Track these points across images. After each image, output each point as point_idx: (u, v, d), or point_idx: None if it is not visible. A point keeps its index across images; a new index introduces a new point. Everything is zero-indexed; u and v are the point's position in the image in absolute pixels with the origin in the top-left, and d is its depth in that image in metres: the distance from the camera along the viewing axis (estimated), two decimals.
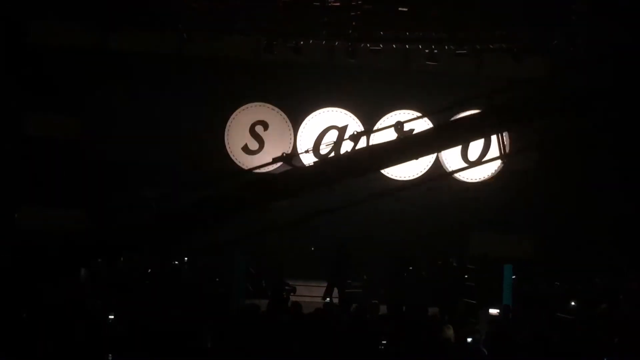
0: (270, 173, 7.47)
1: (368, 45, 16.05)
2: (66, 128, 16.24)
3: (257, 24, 15.86)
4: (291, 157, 7.66)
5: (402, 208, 16.37)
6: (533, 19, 14.82)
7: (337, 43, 16.22)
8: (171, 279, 16.31)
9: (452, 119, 8.87)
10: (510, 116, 7.08)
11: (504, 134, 7.55)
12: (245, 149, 16.73)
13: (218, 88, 16.64)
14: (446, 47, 15.86)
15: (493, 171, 15.71)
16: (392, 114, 15.94)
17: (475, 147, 8.11)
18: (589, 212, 16.16)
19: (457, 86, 14.87)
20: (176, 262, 20.28)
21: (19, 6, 15.44)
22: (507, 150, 7.60)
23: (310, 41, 16.12)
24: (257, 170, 8.22)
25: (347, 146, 7.69)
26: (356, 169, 7.25)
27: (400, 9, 14.77)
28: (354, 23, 15.43)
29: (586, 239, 16.20)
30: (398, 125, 7.88)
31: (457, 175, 15.14)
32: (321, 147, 11.59)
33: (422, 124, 14.69)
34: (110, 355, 10.21)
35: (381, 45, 16.12)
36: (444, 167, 15.43)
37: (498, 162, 14.80)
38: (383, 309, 12.95)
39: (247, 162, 16.44)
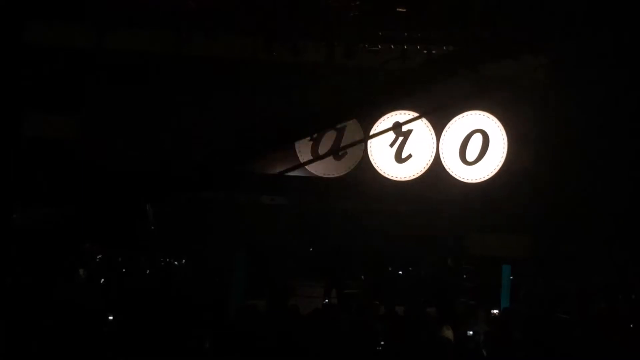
0: None
1: (366, 45, 16.02)
2: (64, 129, 16.22)
3: (257, 24, 15.82)
4: None
5: (399, 208, 16.36)
6: (531, 18, 14.79)
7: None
8: (168, 279, 16.33)
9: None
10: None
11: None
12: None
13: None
14: (445, 48, 15.83)
15: (492, 171, 15.69)
16: (390, 114, 15.86)
17: (473, 148, 8.12)
18: (588, 210, 16.17)
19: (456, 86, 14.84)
20: (175, 262, 20.32)
21: (15, 5, 15.39)
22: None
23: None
24: None
25: None
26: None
27: (398, 9, 14.75)
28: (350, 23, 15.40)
29: (585, 238, 16.22)
30: (396, 127, 7.90)
31: (455, 175, 15.10)
32: None
33: (420, 125, 14.82)
34: (109, 355, 10.22)
35: (379, 46, 16.09)
36: (444, 167, 15.38)
37: (497, 163, 14.88)
38: (382, 309, 13.00)
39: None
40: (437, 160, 15.55)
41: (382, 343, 10.69)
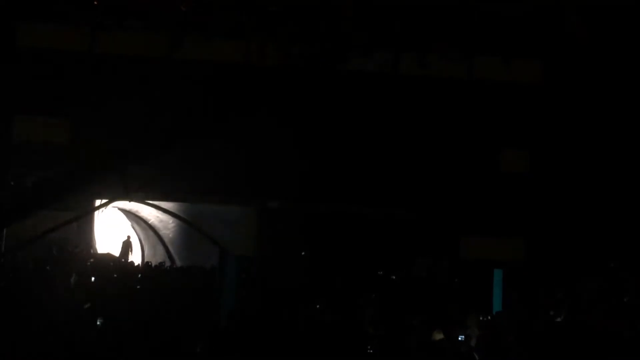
0: None
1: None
2: (56, 131, 16.17)
3: (249, 29, 15.79)
4: None
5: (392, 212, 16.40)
6: (524, 22, 14.86)
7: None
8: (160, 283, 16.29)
9: None
10: None
11: None
12: None
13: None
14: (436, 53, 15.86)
15: None
16: None
17: None
18: (581, 214, 16.19)
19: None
20: (167, 265, 20.30)
21: (6, 8, 15.36)
22: None
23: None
24: None
25: None
26: None
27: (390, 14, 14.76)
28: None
29: (578, 242, 16.23)
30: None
31: None
32: None
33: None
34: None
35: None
36: None
37: None
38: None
39: None
40: None
41: (371, 347, 10.68)
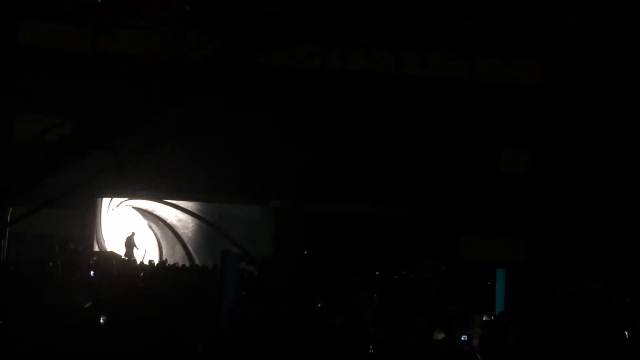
0: None
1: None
2: (57, 130, 16.18)
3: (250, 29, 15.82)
4: None
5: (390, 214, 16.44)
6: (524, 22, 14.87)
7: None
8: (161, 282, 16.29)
9: None
10: None
11: None
12: None
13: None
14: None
15: None
16: None
17: None
18: (581, 214, 16.18)
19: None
20: (168, 264, 20.30)
21: (7, 7, 15.41)
22: None
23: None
24: None
25: None
26: None
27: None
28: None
29: (578, 242, 16.22)
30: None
31: None
32: None
33: None
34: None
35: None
36: None
37: None
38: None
39: None
40: None
41: (371, 347, 10.68)
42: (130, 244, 22.49)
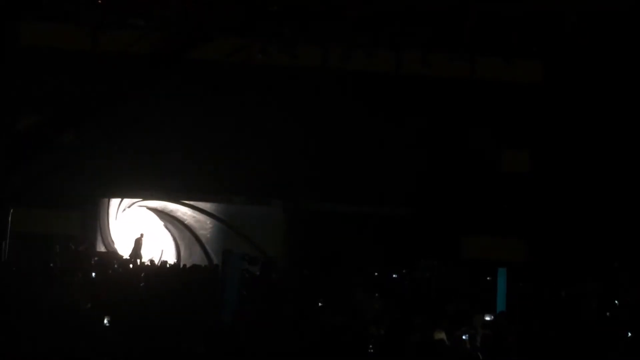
0: None
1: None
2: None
3: (252, 28, 15.84)
4: None
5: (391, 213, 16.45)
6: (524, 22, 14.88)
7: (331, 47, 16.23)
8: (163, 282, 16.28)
9: None
10: None
11: None
12: None
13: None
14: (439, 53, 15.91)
15: None
16: None
17: None
18: (582, 214, 16.19)
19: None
20: (168, 264, 20.31)
21: (8, 7, 15.42)
22: None
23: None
24: None
25: None
26: None
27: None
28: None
29: (580, 242, 16.23)
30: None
31: None
32: None
33: None
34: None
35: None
36: None
37: None
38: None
39: None
40: None
41: (372, 346, 10.67)
42: (138, 245, 22.46)
